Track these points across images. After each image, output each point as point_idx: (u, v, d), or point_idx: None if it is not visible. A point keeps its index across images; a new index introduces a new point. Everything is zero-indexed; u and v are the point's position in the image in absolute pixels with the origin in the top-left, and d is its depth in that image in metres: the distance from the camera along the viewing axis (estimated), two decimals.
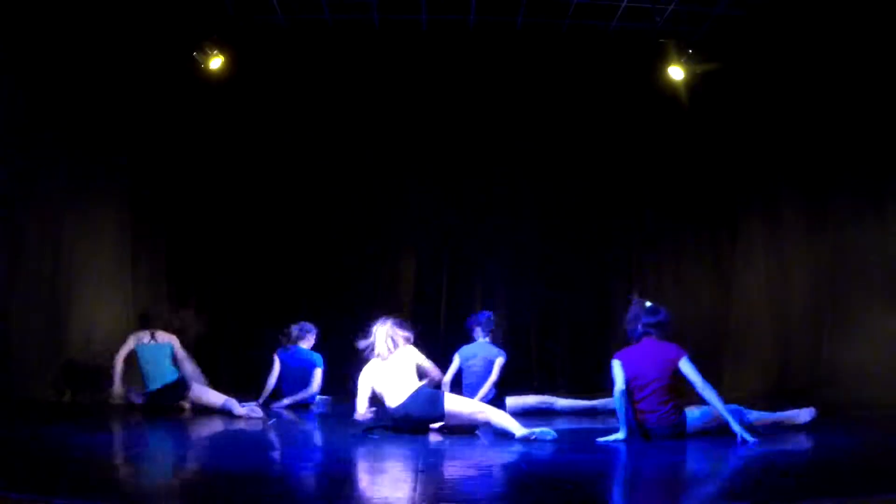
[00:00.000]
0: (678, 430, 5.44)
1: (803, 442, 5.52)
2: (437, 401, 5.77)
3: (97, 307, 8.16)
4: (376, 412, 5.90)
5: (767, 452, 5.05)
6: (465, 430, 5.85)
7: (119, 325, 8.25)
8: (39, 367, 7.25)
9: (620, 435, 5.35)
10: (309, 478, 4.49)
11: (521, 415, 6.59)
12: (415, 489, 4.07)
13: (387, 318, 6.13)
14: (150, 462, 4.96)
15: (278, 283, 9.62)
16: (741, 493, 4.14)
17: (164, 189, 9.39)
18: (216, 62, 8.72)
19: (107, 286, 8.37)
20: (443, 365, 7.36)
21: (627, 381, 5.44)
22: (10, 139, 7.02)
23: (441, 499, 3.84)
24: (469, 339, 8.07)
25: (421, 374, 6.04)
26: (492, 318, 8.08)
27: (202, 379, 7.38)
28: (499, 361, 7.82)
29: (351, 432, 5.86)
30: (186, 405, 7.20)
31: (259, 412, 6.91)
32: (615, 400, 5.46)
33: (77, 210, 7.96)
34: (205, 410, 7.02)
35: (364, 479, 4.51)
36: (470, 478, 4.52)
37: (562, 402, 7.31)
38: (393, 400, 5.85)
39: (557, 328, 9.91)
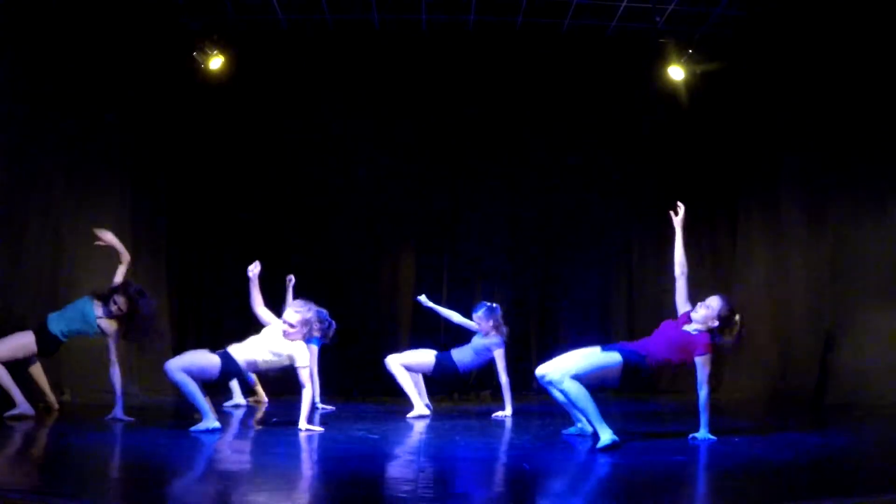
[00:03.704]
0: None
1: (803, 442, 5.52)
2: None
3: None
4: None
5: (767, 452, 5.05)
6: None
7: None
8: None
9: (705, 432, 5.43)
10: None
11: None
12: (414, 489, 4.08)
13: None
14: (152, 464, 4.96)
15: (277, 282, 9.60)
16: (742, 492, 4.14)
17: (165, 188, 9.38)
18: (216, 62, 8.74)
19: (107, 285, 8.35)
20: None
21: None
22: (9, 139, 7.02)
23: (441, 498, 3.84)
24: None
25: None
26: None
27: None
28: None
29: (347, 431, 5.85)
30: None
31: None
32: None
33: (77, 208, 7.95)
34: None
35: (363, 480, 4.51)
36: (470, 477, 4.51)
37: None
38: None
39: (557, 325, 9.90)
